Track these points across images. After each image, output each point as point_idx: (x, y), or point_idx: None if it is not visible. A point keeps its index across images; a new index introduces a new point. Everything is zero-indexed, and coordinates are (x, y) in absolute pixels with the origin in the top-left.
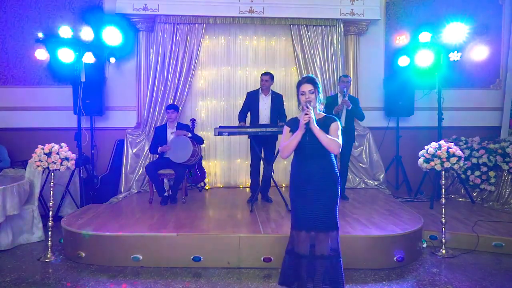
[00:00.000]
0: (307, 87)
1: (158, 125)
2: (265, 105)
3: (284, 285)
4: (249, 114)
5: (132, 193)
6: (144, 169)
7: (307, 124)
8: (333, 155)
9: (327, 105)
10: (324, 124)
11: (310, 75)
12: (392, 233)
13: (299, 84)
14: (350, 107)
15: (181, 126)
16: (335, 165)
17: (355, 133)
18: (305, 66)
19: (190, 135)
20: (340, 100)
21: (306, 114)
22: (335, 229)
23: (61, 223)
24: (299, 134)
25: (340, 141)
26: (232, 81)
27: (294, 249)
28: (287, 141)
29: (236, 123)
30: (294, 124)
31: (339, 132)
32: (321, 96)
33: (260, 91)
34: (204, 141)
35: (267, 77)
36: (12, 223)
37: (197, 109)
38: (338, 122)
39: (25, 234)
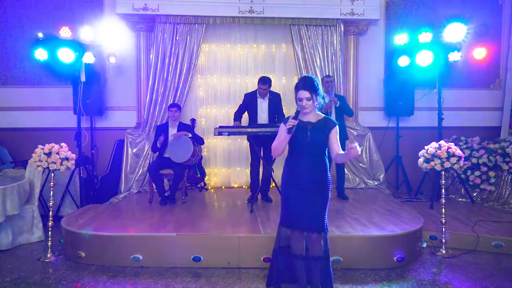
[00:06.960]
0: (304, 94)
1: (159, 124)
2: (262, 106)
3: (271, 286)
4: (247, 115)
5: (132, 193)
6: (145, 169)
7: (290, 129)
8: (326, 155)
9: None
10: (325, 126)
11: (309, 75)
12: (392, 233)
13: (296, 89)
14: (337, 104)
15: (182, 126)
16: (328, 165)
17: (355, 133)
18: (305, 66)
19: (190, 135)
20: (326, 100)
21: (294, 118)
22: (325, 230)
23: (61, 223)
24: (287, 138)
25: (340, 148)
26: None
27: (289, 248)
28: (277, 142)
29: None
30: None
31: (338, 137)
32: (320, 99)
33: (257, 94)
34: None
35: (265, 86)
36: (12, 223)
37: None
38: (337, 126)
39: (25, 234)
